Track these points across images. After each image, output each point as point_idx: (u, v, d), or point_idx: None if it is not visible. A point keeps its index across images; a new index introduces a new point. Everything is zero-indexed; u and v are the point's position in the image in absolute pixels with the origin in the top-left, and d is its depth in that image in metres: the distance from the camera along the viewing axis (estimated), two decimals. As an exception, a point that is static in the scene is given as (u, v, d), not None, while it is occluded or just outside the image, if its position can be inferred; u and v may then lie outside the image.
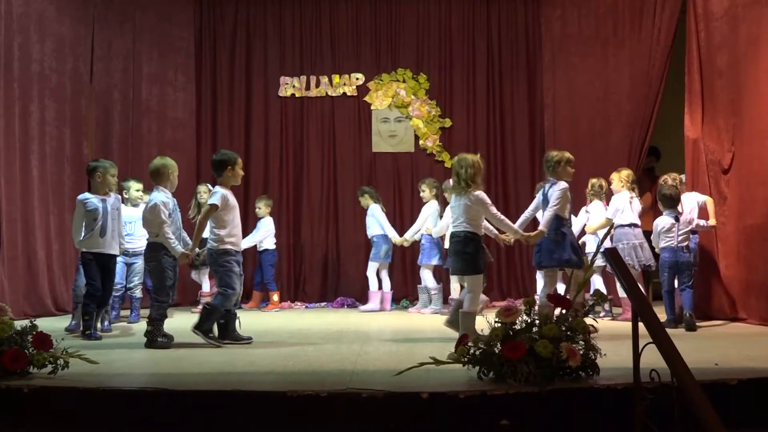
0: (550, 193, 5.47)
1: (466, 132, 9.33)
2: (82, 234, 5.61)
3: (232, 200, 5.25)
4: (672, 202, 6.26)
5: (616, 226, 6.54)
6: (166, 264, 5.10)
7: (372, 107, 9.36)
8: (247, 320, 7.15)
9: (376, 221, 8.14)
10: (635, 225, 6.53)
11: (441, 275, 8.12)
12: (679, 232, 6.16)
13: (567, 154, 5.58)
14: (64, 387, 3.33)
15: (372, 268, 8.15)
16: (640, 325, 2.91)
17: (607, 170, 8.26)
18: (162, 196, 5.15)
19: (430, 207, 7.95)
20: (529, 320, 3.41)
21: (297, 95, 9.34)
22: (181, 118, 9.05)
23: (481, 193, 5.08)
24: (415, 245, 8.19)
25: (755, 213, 6.18)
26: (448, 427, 3.15)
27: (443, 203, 7.71)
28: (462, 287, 6.71)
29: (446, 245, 7.22)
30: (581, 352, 3.32)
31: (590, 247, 6.90)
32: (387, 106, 9.33)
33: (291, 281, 9.14)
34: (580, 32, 8.77)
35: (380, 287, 8.14)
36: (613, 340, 4.43)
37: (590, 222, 6.99)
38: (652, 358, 2.81)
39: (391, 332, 5.40)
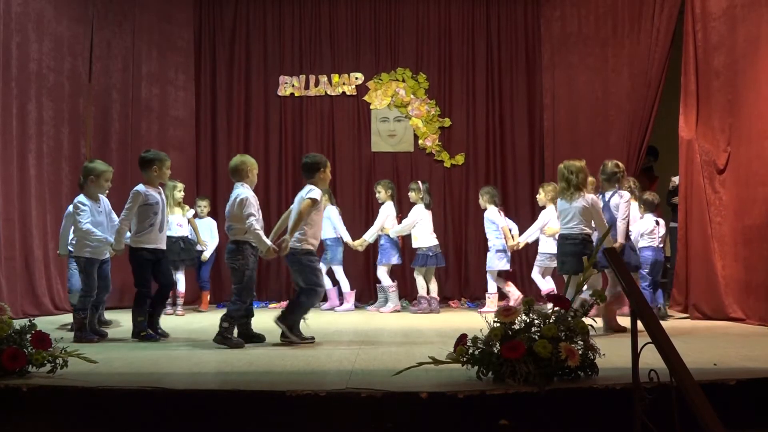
0: (614, 204, 5.78)
1: (466, 132, 9.33)
2: (133, 229, 5.36)
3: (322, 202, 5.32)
4: (653, 206, 6.94)
5: None
6: (251, 263, 5.11)
7: (371, 107, 9.35)
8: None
9: (332, 224, 8.10)
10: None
11: (404, 273, 8.44)
12: (659, 234, 6.83)
13: (622, 165, 6.07)
14: (63, 386, 3.33)
15: (340, 271, 8.19)
16: (639, 325, 2.91)
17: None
18: (248, 191, 5.15)
19: (388, 208, 8.03)
20: (528, 320, 3.41)
21: (296, 94, 9.33)
22: (182, 118, 9.04)
23: (595, 197, 5.51)
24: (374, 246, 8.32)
25: (754, 213, 6.18)
26: (446, 426, 3.16)
27: (400, 203, 8.20)
28: (423, 283, 7.80)
29: (416, 244, 7.88)
30: (580, 352, 3.32)
31: (546, 248, 7.56)
32: (386, 106, 9.33)
33: (290, 281, 9.14)
34: (580, 32, 8.78)
35: (334, 285, 8.25)
36: (613, 340, 4.44)
37: (551, 224, 7.39)
38: (651, 358, 2.81)
39: (390, 332, 5.40)
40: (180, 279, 7.61)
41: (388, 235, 7.96)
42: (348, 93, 9.33)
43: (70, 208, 5.79)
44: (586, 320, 3.48)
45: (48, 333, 3.66)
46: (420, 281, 7.91)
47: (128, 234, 5.41)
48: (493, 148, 9.33)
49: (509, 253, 7.84)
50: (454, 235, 9.18)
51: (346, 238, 8.13)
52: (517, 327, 3.40)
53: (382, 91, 9.34)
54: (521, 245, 7.85)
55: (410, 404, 3.16)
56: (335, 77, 9.32)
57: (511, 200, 9.16)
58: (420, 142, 9.32)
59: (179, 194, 7.56)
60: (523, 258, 8.77)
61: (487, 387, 3.24)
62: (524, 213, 8.86)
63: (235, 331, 5.04)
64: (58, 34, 7.79)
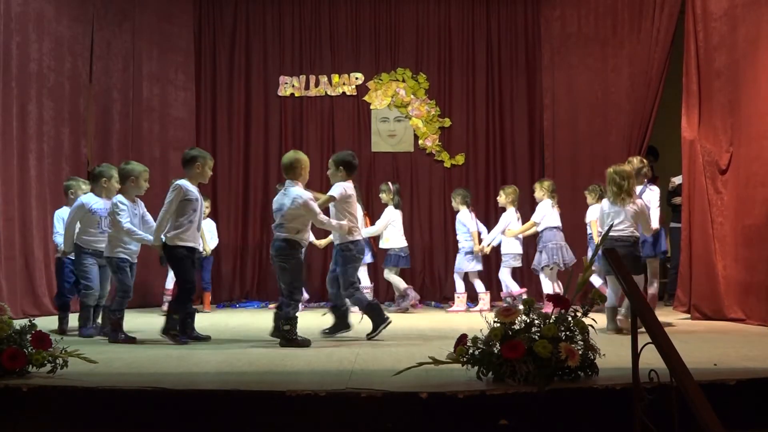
0: (647, 198, 6.29)
1: (466, 132, 9.34)
2: (167, 227, 5.21)
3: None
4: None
5: (545, 228, 7.39)
6: (301, 262, 5.16)
7: (371, 107, 9.36)
8: (246, 320, 7.17)
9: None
10: (559, 228, 7.40)
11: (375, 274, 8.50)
12: None
13: (645, 160, 6.64)
14: (63, 386, 3.33)
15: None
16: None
17: (606, 170, 8.30)
18: (306, 192, 5.18)
19: (391, 210, 8.05)
20: (528, 320, 3.41)
21: (296, 95, 9.34)
22: (182, 118, 9.05)
23: (643, 201, 5.85)
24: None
25: (754, 213, 6.18)
26: (447, 426, 3.15)
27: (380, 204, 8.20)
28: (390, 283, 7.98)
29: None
30: (580, 352, 3.32)
31: (509, 248, 7.82)
32: (386, 106, 9.34)
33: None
34: (580, 32, 8.78)
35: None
36: (613, 340, 4.44)
37: (512, 226, 7.74)
38: (651, 358, 2.81)
39: (390, 332, 5.40)
40: (170, 278, 7.50)
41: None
42: (348, 93, 9.34)
43: (81, 199, 5.72)
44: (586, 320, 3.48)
45: (48, 333, 3.66)
46: (394, 279, 8.01)
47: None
48: (493, 148, 9.34)
49: (480, 255, 8.02)
50: (455, 235, 9.17)
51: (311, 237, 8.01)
52: (517, 327, 3.40)
53: (382, 91, 9.34)
54: (487, 249, 8.03)
55: (410, 404, 3.16)
56: (335, 77, 9.32)
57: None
58: (420, 142, 9.32)
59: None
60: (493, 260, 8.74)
61: (487, 387, 3.24)
62: (524, 213, 8.83)
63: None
64: (58, 34, 7.79)
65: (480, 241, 7.98)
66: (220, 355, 4.55)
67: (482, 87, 9.35)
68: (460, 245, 8.04)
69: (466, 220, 8.00)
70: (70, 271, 5.99)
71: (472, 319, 5.84)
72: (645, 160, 6.54)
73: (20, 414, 3.29)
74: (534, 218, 7.56)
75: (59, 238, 6.02)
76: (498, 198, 8.08)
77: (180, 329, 5.11)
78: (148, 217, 5.63)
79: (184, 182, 5.26)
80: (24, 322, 3.71)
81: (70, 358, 3.61)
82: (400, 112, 9.34)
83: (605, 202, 5.84)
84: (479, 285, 8.00)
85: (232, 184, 9.28)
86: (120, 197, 5.42)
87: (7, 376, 3.45)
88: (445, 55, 9.40)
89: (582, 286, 3.66)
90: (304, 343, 4.90)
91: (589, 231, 7.24)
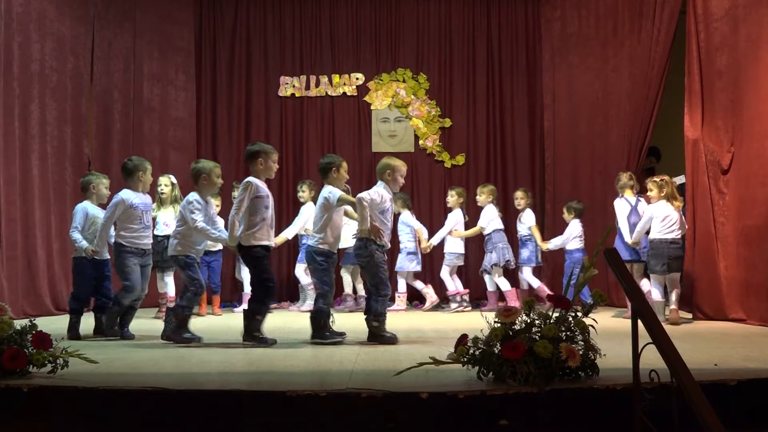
0: (641, 209, 6.90)
1: (466, 132, 9.33)
2: (242, 225, 5.06)
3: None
4: (580, 212, 7.89)
5: (492, 231, 7.91)
6: (380, 258, 5.18)
7: (372, 107, 9.36)
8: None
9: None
10: (503, 230, 8.01)
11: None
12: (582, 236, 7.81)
13: (633, 175, 7.24)
14: (64, 386, 3.33)
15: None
16: (640, 325, 2.91)
17: (607, 170, 8.32)
18: (385, 192, 5.27)
19: (310, 208, 7.84)
20: (528, 320, 3.41)
21: (297, 95, 9.34)
22: (183, 118, 9.05)
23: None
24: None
25: (755, 213, 6.18)
26: (447, 427, 3.16)
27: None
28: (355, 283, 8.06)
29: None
30: (581, 353, 3.32)
31: (453, 248, 8.10)
32: (387, 106, 9.34)
33: (290, 281, 9.13)
34: (580, 32, 8.78)
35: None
36: (613, 340, 4.43)
37: (458, 227, 8.07)
38: (651, 358, 2.82)
39: (390, 332, 5.39)
40: (168, 282, 7.21)
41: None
42: (348, 93, 9.34)
43: (120, 195, 5.50)
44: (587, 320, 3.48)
45: (49, 333, 3.66)
46: (347, 279, 8.07)
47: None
48: (493, 148, 9.34)
49: (420, 255, 8.19)
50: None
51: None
52: (517, 327, 3.40)
53: (382, 91, 9.34)
54: (430, 248, 8.18)
55: (411, 404, 3.16)
56: (336, 78, 9.33)
57: (512, 200, 9.13)
58: (420, 142, 9.32)
59: (167, 188, 7.17)
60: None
61: (487, 387, 3.24)
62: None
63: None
64: (60, 34, 7.79)
65: (420, 241, 8.18)
66: (221, 356, 4.55)
67: (483, 87, 9.35)
68: (402, 245, 8.15)
69: (409, 220, 8.16)
70: (90, 275, 5.72)
71: (472, 319, 5.83)
72: (633, 175, 7.17)
73: (21, 414, 3.30)
74: (480, 223, 8.01)
75: (77, 234, 5.69)
76: (447, 199, 8.28)
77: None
78: (217, 218, 5.58)
79: (254, 179, 5.09)
80: (25, 322, 3.71)
81: (70, 359, 3.61)
82: (401, 112, 9.34)
83: (668, 206, 6.58)
84: (419, 284, 8.25)
85: (232, 184, 9.27)
86: (195, 195, 5.23)
87: (8, 377, 3.45)
88: (446, 56, 9.40)
89: (582, 286, 3.65)
90: (392, 339, 5.01)
91: (527, 233, 8.01)
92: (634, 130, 8.04)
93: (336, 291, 8.31)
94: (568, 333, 3.37)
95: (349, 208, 5.62)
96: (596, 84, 8.58)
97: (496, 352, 3.34)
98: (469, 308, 7.96)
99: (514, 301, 7.65)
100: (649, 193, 6.87)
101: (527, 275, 8.09)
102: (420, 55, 9.42)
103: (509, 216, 8.51)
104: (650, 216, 6.70)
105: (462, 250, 8.17)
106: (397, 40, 9.43)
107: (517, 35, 9.37)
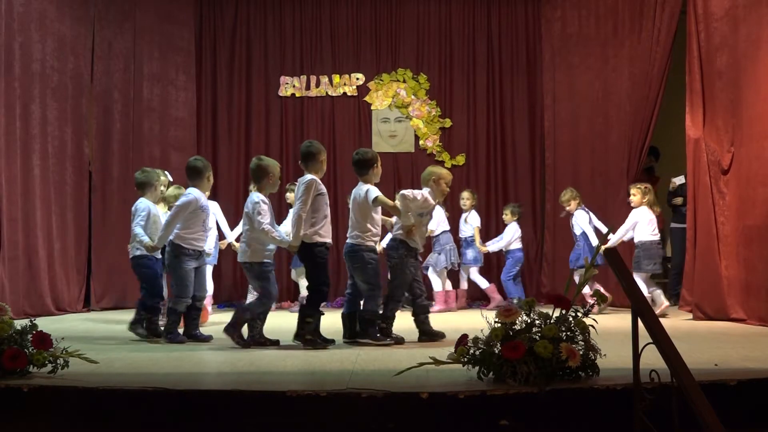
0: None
1: (466, 132, 9.33)
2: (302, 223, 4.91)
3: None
4: (520, 215, 8.32)
5: (441, 232, 7.99)
6: (409, 263, 5.23)
7: (372, 107, 9.36)
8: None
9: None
10: (450, 231, 8.09)
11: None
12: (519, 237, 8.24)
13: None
14: (64, 386, 3.34)
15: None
16: (640, 325, 2.91)
17: (607, 171, 8.32)
18: (429, 197, 5.32)
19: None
20: (528, 320, 3.41)
21: (297, 95, 9.34)
22: (183, 118, 9.05)
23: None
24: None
25: (755, 213, 6.18)
26: (447, 427, 3.16)
27: None
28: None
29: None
30: (581, 353, 3.32)
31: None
32: (387, 106, 9.34)
33: (291, 281, 9.14)
34: (580, 33, 8.78)
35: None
36: (613, 340, 4.43)
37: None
38: (651, 358, 2.82)
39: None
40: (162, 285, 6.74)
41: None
42: (349, 93, 9.33)
43: (193, 194, 5.32)
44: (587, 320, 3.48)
45: (49, 333, 3.66)
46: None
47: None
48: (493, 148, 9.33)
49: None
50: (455, 235, 9.18)
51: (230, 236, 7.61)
52: (517, 327, 3.40)
53: (382, 91, 9.34)
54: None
55: (411, 404, 3.16)
56: (336, 78, 9.33)
57: (512, 200, 9.15)
58: (421, 142, 9.32)
59: (161, 187, 6.56)
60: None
61: (487, 387, 3.24)
62: (524, 213, 8.85)
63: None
64: (60, 34, 7.80)
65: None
66: (221, 356, 4.55)
67: (483, 87, 9.35)
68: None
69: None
70: (157, 270, 5.63)
71: (472, 319, 5.82)
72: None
73: (21, 414, 3.30)
74: (430, 226, 7.96)
75: (140, 229, 5.54)
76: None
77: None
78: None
79: (315, 177, 4.99)
80: (25, 322, 3.71)
81: (71, 359, 3.61)
82: (401, 112, 9.34)
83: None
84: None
85: (232, 184, 9.27)
86: (261, 195, 5.05)
87: (8, 377, 3.45)
88: (446, 56, 9.39)
89: (583, 286, 3.65)
90: (399, 341, 5.08)
91: (471, 234, 8.19)
92: (635, 131, 8.04)
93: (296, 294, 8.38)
94: (569, 333, 3.37)
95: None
96: (596, 84, 8.58)
97: (497, 352, 3.34)
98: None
99: (452, 303, 8.00)
100: (631, 198, 7.27)
101: (474, 276, 8.23)
102: (420, 55, 9.41)
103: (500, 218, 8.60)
104: (635, 220, 7.15)
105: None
106: (398, 40, 9.43)
107: (518, 35, 9.37)
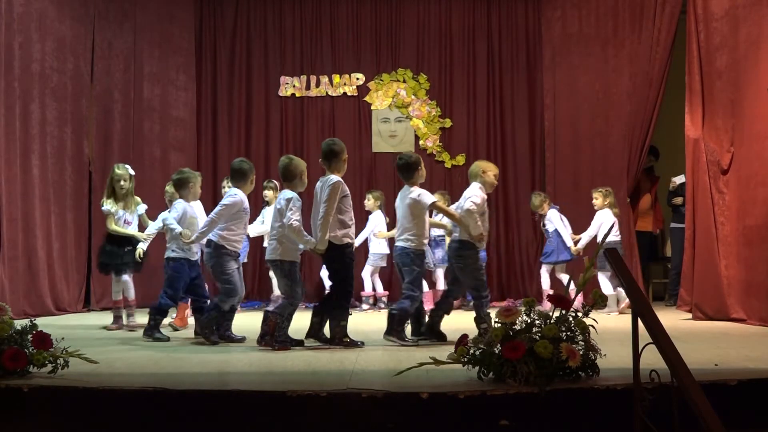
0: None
1: (466, 132, 9.33)
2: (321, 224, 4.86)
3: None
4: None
5: None
6: (477, 262, 5.22)
7: (372, 107, 9.36)
8: (246, 320, 7.15)
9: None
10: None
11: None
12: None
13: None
14: (64, 386, 3.34)
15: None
16: (640, 325, 2.91)
17: (607, 170, 8.32)
18: (482, 193, 5.31)
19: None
20: (529, 320, 3.41)
21: (297, 95, 9.34)
22: (183, 118, 9.05)
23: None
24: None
25: (755, 213, 6.18)
26: (447, 427, 3.16)
27: None
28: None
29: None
30: (581, 353, 3.32)
31: (377, 249, 8.22)
32: (387, 106, 9.34)
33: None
34: (581, 32, 8.77)
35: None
36: (613, 340, 4.43)
37: (380, 228, 8.16)
38: (651, 358, 2.82)
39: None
40: (128, 284, 6.27)
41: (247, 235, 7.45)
42: (349, 93, 9.33)
43: (239, 196, 5.27)
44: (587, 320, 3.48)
45: (49, 333, 3.66)
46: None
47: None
48: (493, 148, 9.33)
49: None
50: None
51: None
52: (518, 327, 3.40)
53: (383, 91, 9.34)
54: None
55: (411, 404, 3.16)
56: (336, 78, 9.33)
57: (512, 200, 9.16)
58: (421, 142, 9.31)
59: (126, 184, 6.25)
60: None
61: (487, 387, 3.24)
62: (524, 213, 8.86)
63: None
64: (60, 34, 7.80)
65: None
66: (221, 356, 4.55)
67: (483, 87, 9.34)
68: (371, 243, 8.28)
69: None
70: (187, 277, 5.58)
71: (472, 319, 5.82)
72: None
73: (21, 414, 3.30)
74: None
75: (174, 222, 5.52)
76: (365, 202, 8.35)
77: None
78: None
79: (339, 178, 4.95)
80: (25, 322, 3.71)
81: (71, 359, 3.61)
82: (401, 112, 9.34)
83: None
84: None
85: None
86: (292, 192, 4.98)
87: (8, 377, 3.45)
88: (446, 56, 9.39)
89: (583, 286, 3.65)
90: (411, 343, 4.98)
91: (440, 233, 8.00)
92: (635, 130, 8.04)
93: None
94: (569, 333, 3.37)
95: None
96: (597, 84, 8.58)
97: (497, 352, 3.34)
98: (384, 309, 7.69)
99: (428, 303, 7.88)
100: (594, 201, 7.48)
101: (441, 275, 8.17)
102: (420, 55, 9.41)
103: (509, 218, 8.55)
104: (601, 222, 7.35)
105: (386, 251, 8.11)
106: (398, 40, 9.43)
107: (518, 35, 9.37)
